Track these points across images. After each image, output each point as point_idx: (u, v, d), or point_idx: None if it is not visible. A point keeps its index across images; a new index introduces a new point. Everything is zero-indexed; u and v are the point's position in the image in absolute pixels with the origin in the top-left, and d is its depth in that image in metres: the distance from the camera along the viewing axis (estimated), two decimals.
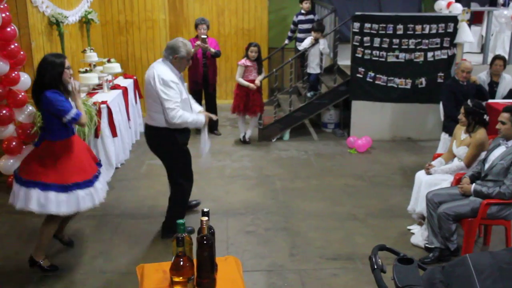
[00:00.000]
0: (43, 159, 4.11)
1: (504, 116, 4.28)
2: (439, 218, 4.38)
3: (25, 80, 5.67)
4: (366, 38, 7.52)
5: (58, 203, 4.06)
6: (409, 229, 5.05)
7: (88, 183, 4.20)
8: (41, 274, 4.26)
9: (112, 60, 7.73)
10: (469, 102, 4.82)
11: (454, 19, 7.41)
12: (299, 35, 8.82)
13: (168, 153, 4.74)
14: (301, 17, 8.80)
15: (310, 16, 8.78)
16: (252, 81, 7.47)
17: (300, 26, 8.82)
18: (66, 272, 4.31)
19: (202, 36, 7.50)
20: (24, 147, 5.77)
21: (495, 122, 4.45)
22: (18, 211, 5.48)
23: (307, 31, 8.58)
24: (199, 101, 7.63)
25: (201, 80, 7.86)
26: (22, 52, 5.58)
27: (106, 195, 4.47)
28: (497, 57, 6.91)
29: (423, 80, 7.61)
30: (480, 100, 6.19)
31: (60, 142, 4.15)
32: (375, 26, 7.46)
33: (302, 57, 8.20)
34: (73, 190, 4.10)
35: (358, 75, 7.67)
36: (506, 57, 7.47)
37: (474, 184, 4.37)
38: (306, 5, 8.70)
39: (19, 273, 4.29)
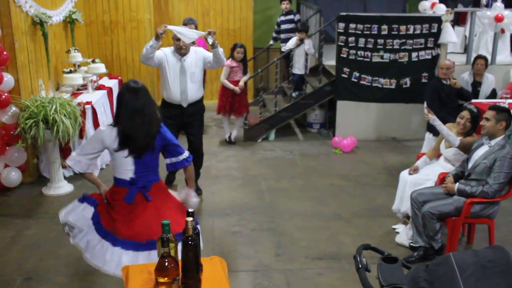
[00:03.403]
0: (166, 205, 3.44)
1: (489, 113, 4.33)
2: (424, 217, 4.41)
3: (8, 80, 5.61)
4: (351, 39, 7.55)
5: None
6: (394, 228, 5.08)
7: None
8: (25, 277, 4.21)
9: (96, 60, 7.69)
10: (470, 106, 4.76)
11: (438, 20, 7.47)
12: (282, 36, 8.90)
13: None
14: (282, 18, 8.88)
15: (290, 16, 8.85)
16: (238, 82, 7.44)
17: (282, 27, 8.87)
18: (51, 275, 4.27)
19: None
20: (7, 148, 5.71)
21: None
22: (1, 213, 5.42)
23: (288, 31, 8.71)
24: None
25: None
26: (5, 52, 5.52)
27: None
28: (478, 57, 6.99)
29: (407, 80, 7.66)
30: (462, 100, 6.26)
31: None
32: (360, 26, 7.49)
33: (287, 57, 8.22)
34: None
35: (343, 75, 7.70)
36: (489, 57, 7.55)
37: (457, 183, 4.41)
38: (283, 6, 8.78)
39: (1, 276, 4.24)
